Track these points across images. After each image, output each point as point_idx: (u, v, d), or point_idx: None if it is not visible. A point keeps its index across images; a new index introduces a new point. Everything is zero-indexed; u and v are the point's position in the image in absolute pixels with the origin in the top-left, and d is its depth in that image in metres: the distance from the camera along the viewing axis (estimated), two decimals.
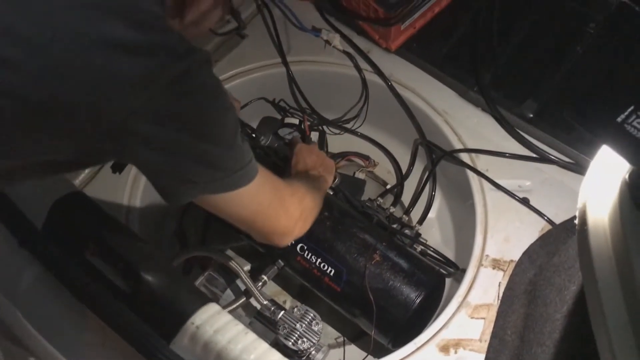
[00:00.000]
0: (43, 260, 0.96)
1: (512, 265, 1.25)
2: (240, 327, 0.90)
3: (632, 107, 0.60)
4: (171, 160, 0.73)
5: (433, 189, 1.53)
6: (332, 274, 1.29)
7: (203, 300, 0.92)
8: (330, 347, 1.43)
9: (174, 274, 0.94)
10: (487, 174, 1.36)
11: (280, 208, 0.93)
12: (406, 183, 1.59)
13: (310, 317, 1.28)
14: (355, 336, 1.46)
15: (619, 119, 0.60)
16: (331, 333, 1.47)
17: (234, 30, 1.51)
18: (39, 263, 0.96)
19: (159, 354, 0.86)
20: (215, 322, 0.88)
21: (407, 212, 1.55)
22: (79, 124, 0.66)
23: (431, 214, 1.55)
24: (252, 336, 0.89)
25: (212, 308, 0.91)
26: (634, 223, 0.57)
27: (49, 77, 0.62)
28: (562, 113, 1.18)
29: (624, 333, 0.53)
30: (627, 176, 0.60)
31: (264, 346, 0.89)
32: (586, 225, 0.60)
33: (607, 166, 0.64)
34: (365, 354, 1.36)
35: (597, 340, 0.54)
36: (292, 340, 1.24)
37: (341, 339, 1.46)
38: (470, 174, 1.38)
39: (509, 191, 1.34)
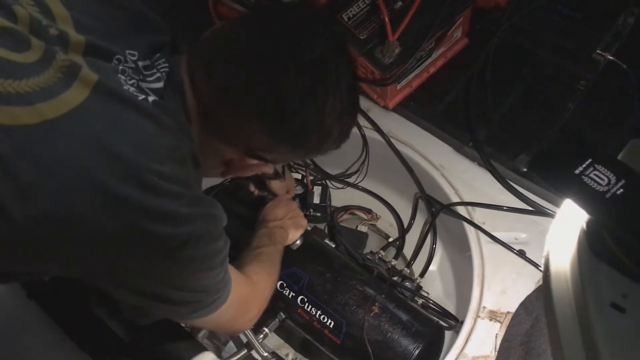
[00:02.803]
0: (50, 311, 1.01)
1: (509, 316, 1.27)
2: None
3: (589, 160, 0.65)
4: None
5: (434, 242, 1.56)
6: (331, 326, 1.31)
7: (198, 348, 0.95)
8: None
9: (171, 323, 0.98)
10: (483, 226, 1.39)
11: (241, 317, 1.02)
12: (408, 236, 1.62)
13: None
14: None
15: (576, 171, 0.64)
16: None
17: None
18: (45, 314, 1.01)
19: None
20: None
21: (408, 264, 1.57)
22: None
23: (432, 267, 1.58)
24: None
25: (207, 356, 0.94)
26: (591, 269, 0.60)
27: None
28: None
29: None
30: (584, 225, 0.63)
31: None
32: (549, 272, 0.64)
33: (572, 216, 0.67)
34: None
35: None
36: None
37: None
38: (467, 226, 1.41)
39: (505, 243, 1.37)
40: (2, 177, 0.64)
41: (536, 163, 0.69)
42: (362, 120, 1.58)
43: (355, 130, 1.58)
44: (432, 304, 1.42)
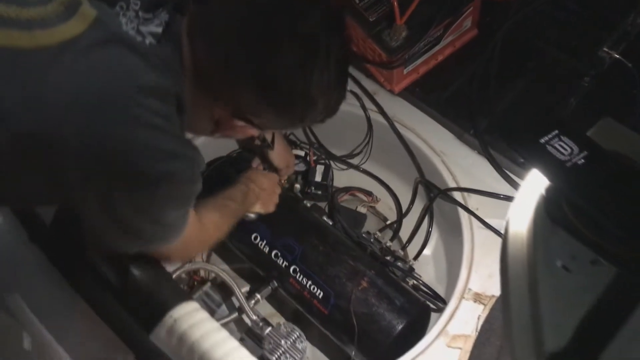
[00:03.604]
0: (48, 254, 1.06)
1: (493, 300, 1.29)
2: (215, 324, 0.98)
3: (556, 132, 0.68)
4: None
5: (430, 226, 1.59)
6: (320, 296, 1.36)
7: (184, 297, 1.00)
8: None
9: (161, 272, 1.03)
10: (477, 212, 1.42)
11: (178, 252, 1.09)
12: (406, 220, 1.65)
13: (295, 336, 1.34)
14: None
15: (542, 140, 0.68)
16: (319, 357, 1.52)
17: None
18: (44, 256, 1.07)
19: (138, 344, 0.94)
20: (191, 318, 0.96)
21: (403, 247, 1.61)
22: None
23: (427, 251, 1.61)
24: (224, 333, 0.96)
25: (191, 305, 0.99)
26: (545, 231, 0.64)
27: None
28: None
29: (525, 326, 0.59)
30: (544, 191, 0.67)
31: (233, 343, 0.96)
32: (507, 234, 0.67)
33: (536, 185, 0.71)
34: None
35: (504, 330, 0.60)
36: (276, 356, 1.30)
37: None
38: (461, 211, 1.44)
39: (496, 230, 1.39)
40: None
41: (507, 133, 0.72)
42: (368, 103, 1.61)
43: (360, 112, 1.62)
44: (422, 284, 1.45)
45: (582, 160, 0.65)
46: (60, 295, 1.03)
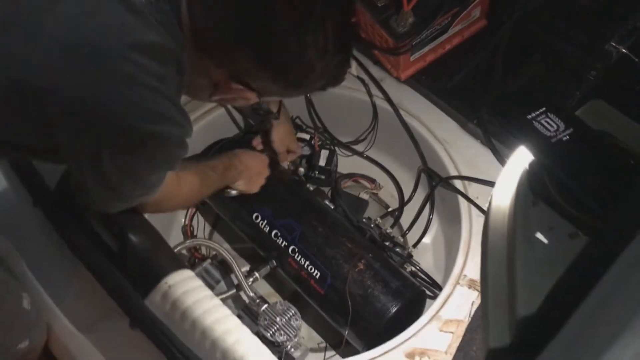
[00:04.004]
0: (51, 218, 1.09)
1: None
2: (208, 292, 1.00)
3: (543, 109, 0.70)
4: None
5: (431, 213, 1.60)
6: (317, 277, 1.37)
7: (179, 265, 1.03)
8: (312, 350, 1.50)
9: (158, 241, 1.06)
10: (476, 201, 1.43)
11: (152, 206, 1.07)
12: (407, 208, 1.67)
13: (290, 313, 1.36)
14: (337, 344, 1.52)
15: (529, 116, 0.69)
16: (315, 338, 1.54)
17: None
18: (47, 220, 1.10)
19: (133, 308, 0.96)
20: (185, 285, 0.99)
21: (403, 234, 1.62)
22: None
23: (427, 240, 1.62)
24: (216, 301, 0.99)
25: (186, 273, 1.02)
26: (526, 203, 0.65)
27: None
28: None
29: (500, 293, 0.61)
30: (527, 165, 0.68)
31: (225, 311, 0.98)
32: (490, 206, 0.69)
33: (521, 161, 0.72)
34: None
35: (482, 297, 0.62)
36: (271, 332, 1.32)
37: (323, 344, 1.52)
38: (461, 199, 1.45)
39: None
40: None
41: (495, 105, 0.74)
42: (374, 90, 1.63)
43: (366, 99, 1.64)
44: (419, 270, 1.46)
45: (567, 137, 0.67)
46: (60, 258, 1.06)
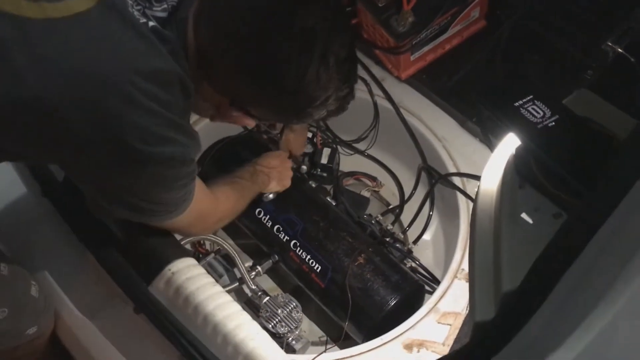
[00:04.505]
0: (59, 208, 1.13)
1: None
2: (210, 279, 1.03)
3: (531, 97, 0.73)
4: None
5: (430, 210, 1.63)
6: (318, 270, 1.40)
7: (183, 252, 1.06)
8: (313, 344, 1.52)
9: (163, 230, 1.09)
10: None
11: (196, 226, 1.12)
12: (407, 206, 1.69)
13: (292, 306, 1.38)
14: (338, 338, 1.55)
15: (516, 104, 0.72)
16: (316, 332, 1.56)
17: None
18: (55, 210, 1.14)
19: (138, 294, 1.00)
20: (189, 271, 1.02)
21: (404, 231, 1.65)
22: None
23: (427, 236, 1.64)
24: (218, 288, 1.02)
25: (189, 260, 1.05)
26: (512, 186, 0.68)
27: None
28: None
29: (486, 270, 0.64)
30: (514, 150, 0.71)
31: (227, 297, 1.01)
32: (479, 190, 0.72)
33: (510, 147, 0.75)
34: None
35: (469, 276, 0.65)
36: (272, 324, 1.35)
37: (324, 338, 1.55)
38: (459, 196, 1.48)
39: None
40: (2, 56, 0.74)
41: (483, 96, 0.77)
42: (375, 89, 1.66)
43: (368, 98, 1.67)
44: (418, 265, 1.49)
45: (552, 123, 0.70)
46: (67, 247, 1.10)
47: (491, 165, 0.75)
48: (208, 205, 1.10)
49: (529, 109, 0.71)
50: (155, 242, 1.06)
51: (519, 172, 0.69)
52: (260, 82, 0.91)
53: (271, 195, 1.46)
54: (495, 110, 0.71)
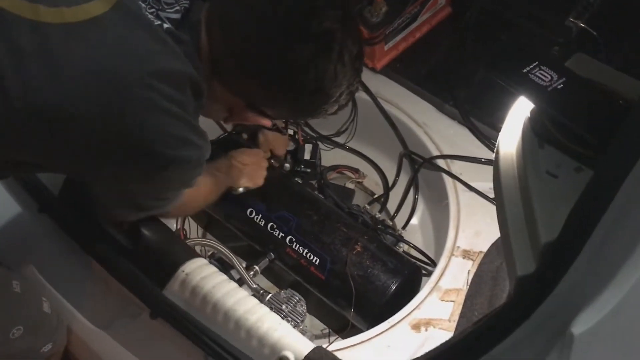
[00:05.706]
0: (59, 223, 1.11)
1: (481, 255, 1.37)
2: (224, 277, 1.03)
3: (536, 62, 0.76)
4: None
5: (416, 194, 1.66)
6: (317, 263, 1.41)
7: (192, 254, 1.05)
8: (316, 337, 1.53)
9: (168, 233, 1.08)
10: (461, 177, 1.50)
11: (173, 212, 1.13)
12: (392, 193, 1.72)
13: (295, 300, 1.39)
14: (340, 329, 1.56)
15: (524, 70, 0.75)
16: (318, 325, 1.57)
17: None
18: (55, 226, 1.11)
19: (153, 299, 0.99)
20: (202, 271, 1.02)
21: (392, 218, 1.68)
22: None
23: (414, 221, 1.68)
24: (233, 284, 1.02)
25: (200, 260, 1.05)
26: (532, 146, 0.71)
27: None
28: None
29: (520, 226, 0.67)
30: (528, 113, 0.74)
31: (243, 293, 1.01)
32: (498, 153, 0.75)
33: (521, 111, 0.79)
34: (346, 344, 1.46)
35: (502, 235, 0.68)
36: None
37: (327, 331, 1.56)
38: (446, 177, 1.52)
39: (480, 192, 1.47)
40: (17, 65, 0.73)
41: (492, 65, 0.80)
42: None
43: None
44: (413, 247, 1.52)
45: (561, 85, 0.73)
46: (72, 260, 1.08)
47: (507, 128, 0.78)
48: (192, 193, 1.09)
49: (537, 74, 0.74)
50: (164, 244, 1.05)
51: (536, 133, 0.72)
52: (280, 85, 0.92)
53: (241, 190, 1.45)
54: (505, 79, 0.74)
